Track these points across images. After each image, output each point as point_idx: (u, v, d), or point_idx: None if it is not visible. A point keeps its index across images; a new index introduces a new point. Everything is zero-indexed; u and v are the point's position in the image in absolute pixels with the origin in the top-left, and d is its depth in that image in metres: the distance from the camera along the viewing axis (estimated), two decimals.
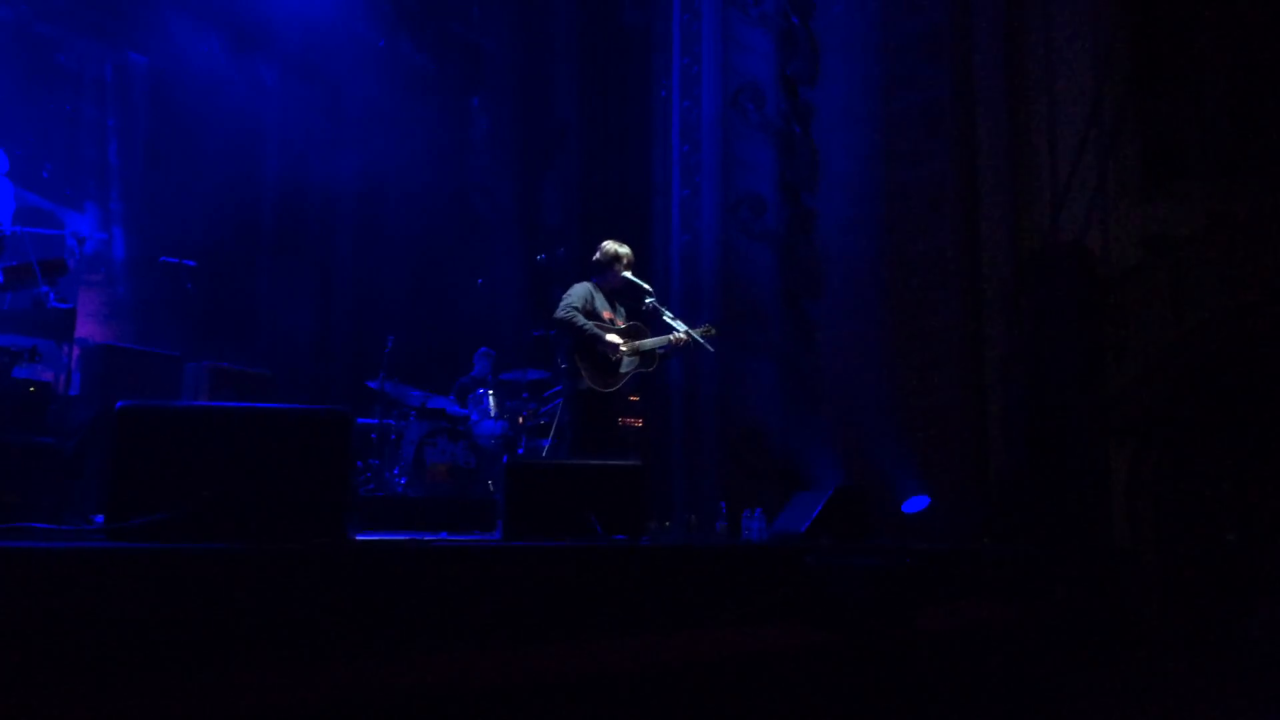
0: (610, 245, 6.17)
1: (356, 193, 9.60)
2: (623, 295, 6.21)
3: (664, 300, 6.77)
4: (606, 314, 6.11)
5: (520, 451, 8.15)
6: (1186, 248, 7.59)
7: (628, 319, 6.24)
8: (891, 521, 7.46)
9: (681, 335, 6.08)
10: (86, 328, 8.33)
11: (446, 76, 10.59)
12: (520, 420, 8.19)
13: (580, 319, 5.89)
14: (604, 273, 6.14)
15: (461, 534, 5.45)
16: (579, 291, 6.03)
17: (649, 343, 6.09)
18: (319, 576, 2.93)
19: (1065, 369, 7.45)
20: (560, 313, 5.90)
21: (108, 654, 2.52)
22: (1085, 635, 5.95)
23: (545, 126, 11.04)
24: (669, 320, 6.24)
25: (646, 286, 6.27)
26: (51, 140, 8.55)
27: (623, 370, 6.00)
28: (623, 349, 5.93)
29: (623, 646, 3.44)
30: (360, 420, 7.95)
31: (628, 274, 6.10)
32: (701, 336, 6.03)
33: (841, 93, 9.06)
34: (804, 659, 3.89)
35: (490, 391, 8.44)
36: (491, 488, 7.94)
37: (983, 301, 8.33)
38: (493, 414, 8.33)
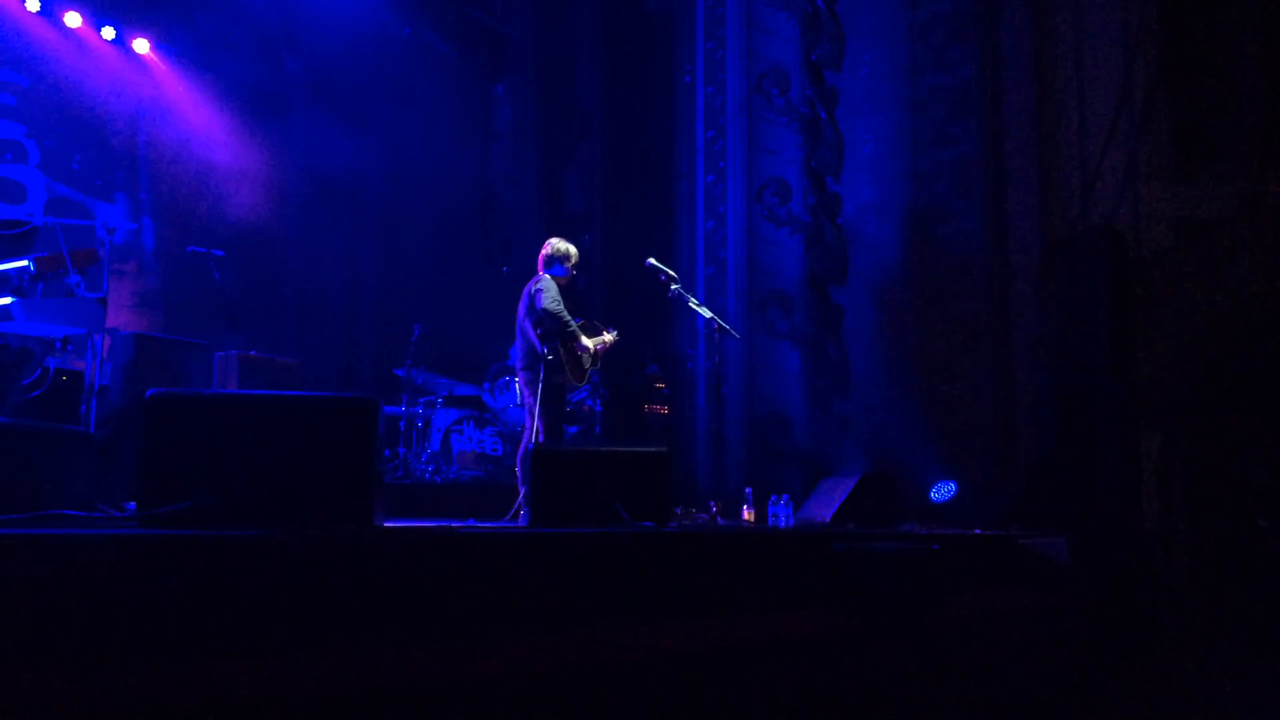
0: (561, 243, 6.36)
1: (382, 182, 9.63)
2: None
3: (689, 289, 6.79)
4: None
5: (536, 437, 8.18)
6: (1218, 230, 7.49)
7: (576, 316, 6.42)
8: (918, 508, 7.42)
9: (607, 339, 6.37)
10: (117, 317, 8.41)
11: (470, 65, 10.59)
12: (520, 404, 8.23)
13: (567, 315, 6.08)
14: (557, 268, 6.28)
15: (488, 521, 5.48)
16: (554, 286, 6.19)
17: (596, 341, 6.39)
18: (347, 563, 2.95)
19: (1095, 353, 7.36)
20: (551, 305, 6.05)
21: (139, 638, 2.55)
22: (1115, 621, 5.91)
23: (568, 113, 11.02)
24: (693, 307, 6.29)
25: (671, 273, 6.30)
26: (81, 131, 8.63)
27: (586, 368, 6.22)
28: (591, 351, 6.19)
29: (649, 633, 3.44)
30: (387, 408, 8.00)
31: (572, 266, 6.35)
32: (608, 341, 6.44)
33: (866, 76, 8.98)
34: (831, 644, 3.89)
35: (517, 379, 8.47)
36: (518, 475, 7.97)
37: (1011, 285, 8.25)
38: (519, 401, 8.36)
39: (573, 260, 6.36)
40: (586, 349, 6.24)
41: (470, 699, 2.96)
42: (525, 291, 6.31)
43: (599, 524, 4.12)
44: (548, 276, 6.26)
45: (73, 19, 8.54)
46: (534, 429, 6.13)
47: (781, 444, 8.51)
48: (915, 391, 8.47)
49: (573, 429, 7.75)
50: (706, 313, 6.29)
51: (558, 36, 11.02)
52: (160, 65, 9.13)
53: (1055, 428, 7.62)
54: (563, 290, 6.27)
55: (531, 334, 6.17)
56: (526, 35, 10.97)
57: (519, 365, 6.37)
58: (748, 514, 6.28)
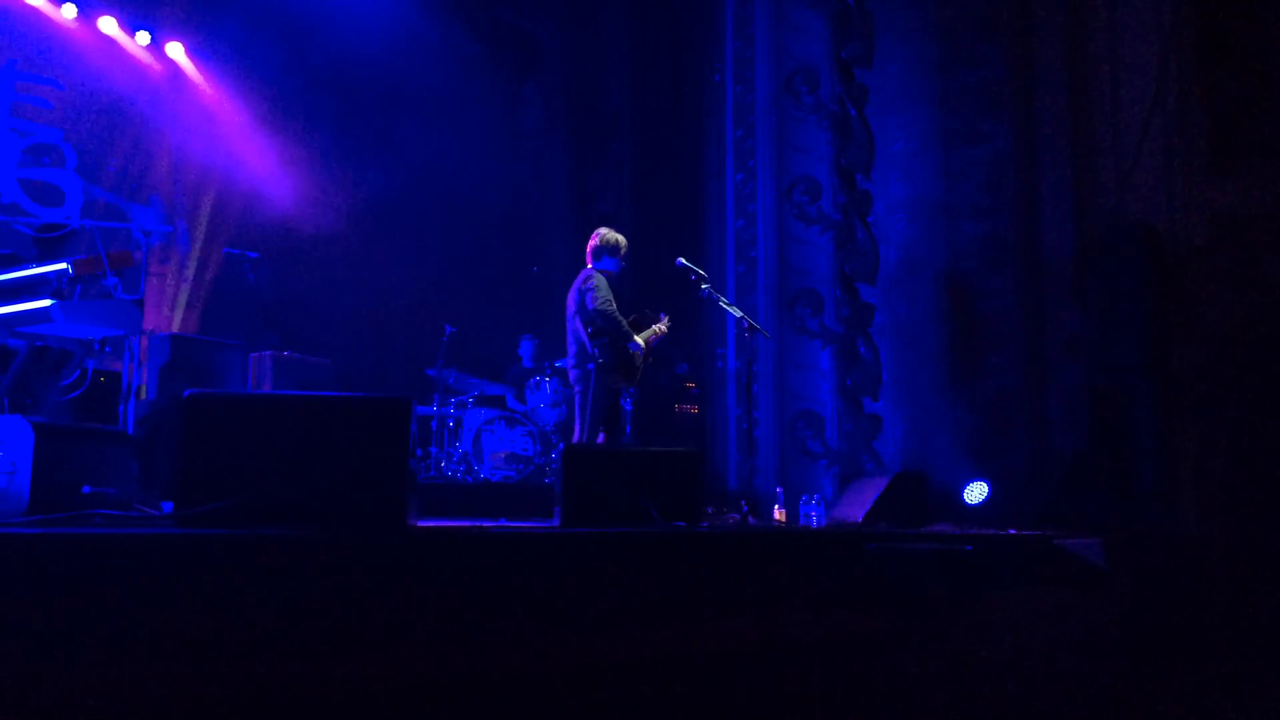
0: (610, 233, 6.22)
1: (412, 182, 9.69)
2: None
3: (719, 287, 6.77)
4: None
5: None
6: (1256, 226, 7.37)
7: (624, 311, 6.32)
8: (951, 508, 7.37)
9: (659, 328, 6.22)
10: (153, 318, 8.53)
11: (499, 65, 10.63)
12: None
13: (619, 316, 5.97)
14: (606, 260, 6.18)
15: (520, 520, 5.49)
16: (603, 282, 6.07)
17: (647, 335, 6.26)
18: (380, 562, 2.97)
19: (1130, 351, 7.27)
20: (603, 306, 5.94)
21: (177, 637, 2.58)
22: (1152, 623, 5.84)
23: (598, 113, 11.04)
24: (724, 306, 6.27)
25: (701, 272, 6.28)
26: (117, 135, 8.75)
27: (639, 367, 6.15)
28: (645, 348, 6.08)
29: (682, 632, 3.44)
30: (419, 408, 8.05)
31: (623, 257, 6.23)
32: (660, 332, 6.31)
33: (897, 73, 8.92)
34: (865, 645, 3.87)
35: (549, 378, 8.50)
36: (548, 475, 8.00)
37: (1043, 283, 8.17)
38: (552, 401, 8.39)
39: (623, 251, 6.22)
40: (640, 348, 6.10)
41: (503, 697, 2.97)
42: (574, 288, 6.19)
43: (631, 524, 4.12)
44: (597, 273, 6.13)
45: (107, 24, 8.66)
46: (580, 429, 6.09)
47: (812, 443, 8.48)
48: (947, 390, 8.40)
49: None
50: (737, 312, 6.27)
51: (587, 36, 11.05)
52: (193, 69, 9.24)
53: (1089, 427, 7.53)
54: (613, 282, 6.18)
55: (582, 333, 6.07)
56: (555, 35, 11.00)
57: (569, 364, 6.31)
58: (779, 514, 6.26)
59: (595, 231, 6.30)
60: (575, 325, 6.10)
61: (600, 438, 6.08)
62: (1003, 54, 8.44)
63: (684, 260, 6.36)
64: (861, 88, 8.84)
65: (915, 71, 8.81)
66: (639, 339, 6.10)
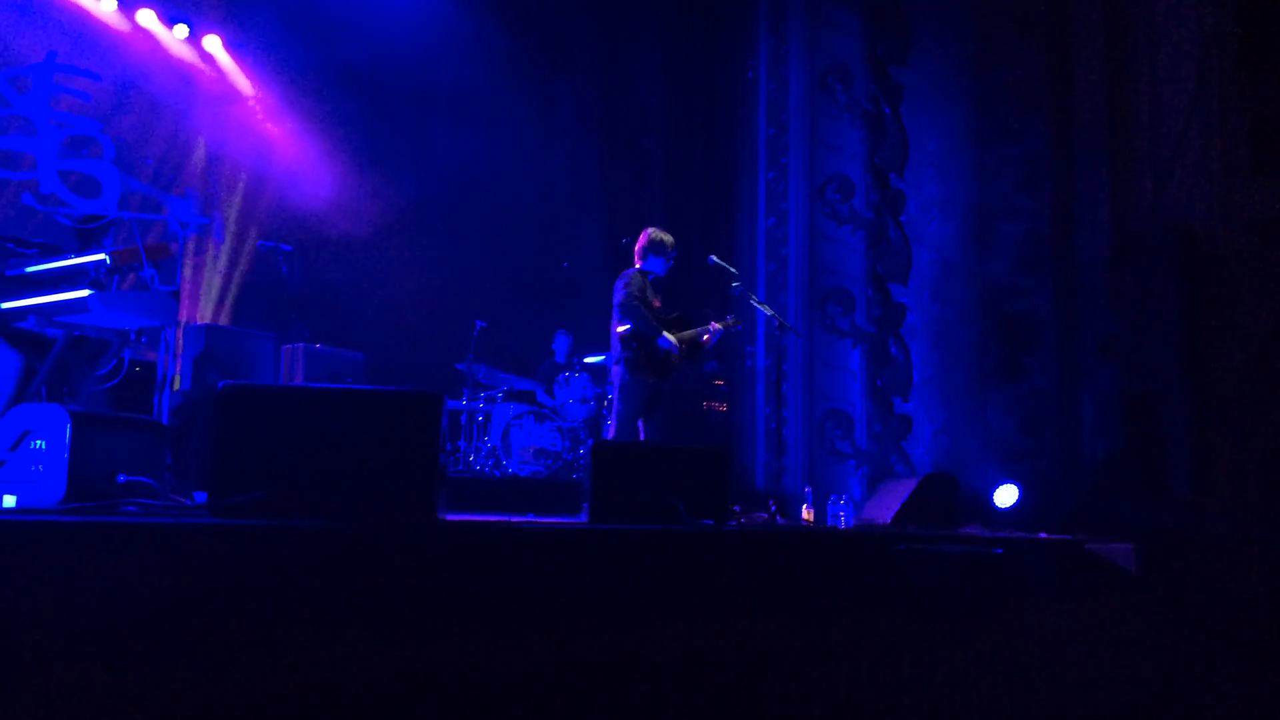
0: (657, 232, 6.22)
1: (444, 177, 9.73)
2: (661, 281, 6.27)
3: (750, 285, 6.75)
4: (656, 303, 6.16)
5: (606, 434, 8.20)
6: None
7: (668, 308, 6.28)
8: (981, 510, 7.31)
9: (715, 327, 6.16)
10: (187, 309, 8.62)
11: (532, 61, 10.64)
12: (606, 403, 8.26)
13: (644, 312, 5.95)
14: (651, 259, 6.18)
15: (548, 515, 5.51)
16: (636, 280, 6.07)
17: (689, 334, 6.18)
18: (409, 555, 2.99)
19: (1166, 354, 7.19)
20: (625, 302, 5.95)
21: (209, 626, 2.60)
22: (1184, 630, 5.76)
23: (629, 109, 11.03)
24: (755, 304, 6.25)
25: (732, 270, 6.27)
26: (154, 127, 8.84)
27: (672, 363, 6.10)
28: (682, 346, 6.02)
29: (709, 631, 3.43)
30: (449, 403, 8.09)
31: (670, 257, 6.20)
32: (727, 326, 6.13)
33: (932, 71, 8.85)
34: (893, 646, 3.85)
35: (578, 374, 8.53)
36: (577, 470, 8.01)
37: (1077, 284, 8.08)
38: (580, 397, 8.40)
39: (668, 250, 6.21)
40: (671, 344, 6.06)
41: (528, 691, 2.98)
42: (614, 286, 6.26)
43: (658, 521, 4.11)
44: (633, 271, 6.15)
45: (146, 17, 8.75)
46: (615, 425, 6.11)
47: (841, 443, 8.44)
48: (978, 392, 8.34)
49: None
50: (768, 310, 6.25)
51: (619, 33, 11.04)
52: (230, 62, 9.32)
53: (1123, 431, 7.45)
54: (659, 282, 6.16)
55: (614, 329, 6.13)
56: (588, 32, 11.00)
57: (608, 361, 6.35)
58: (807, 514, 6.24)
59: (644, 230, 6.30)
60: (612, 322, 6.15)
61: (642, 434, 6.08)
62: (1040, 53, 8.35)
63: (715, 258, 6.35)
64: (896, 85, 8.79)
65: (951, 69, 8.74)
66: (672, 336, 6.07)
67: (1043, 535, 5.97)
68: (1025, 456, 7.98)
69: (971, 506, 7.15)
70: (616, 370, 6.14)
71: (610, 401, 7.97)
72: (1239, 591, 6.54)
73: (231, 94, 9.35)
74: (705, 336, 6.24)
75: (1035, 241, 8.29)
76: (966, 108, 8.63)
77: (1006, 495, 7.08)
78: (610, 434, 6.16)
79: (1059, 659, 4.56)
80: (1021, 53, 8.44)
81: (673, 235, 6.32)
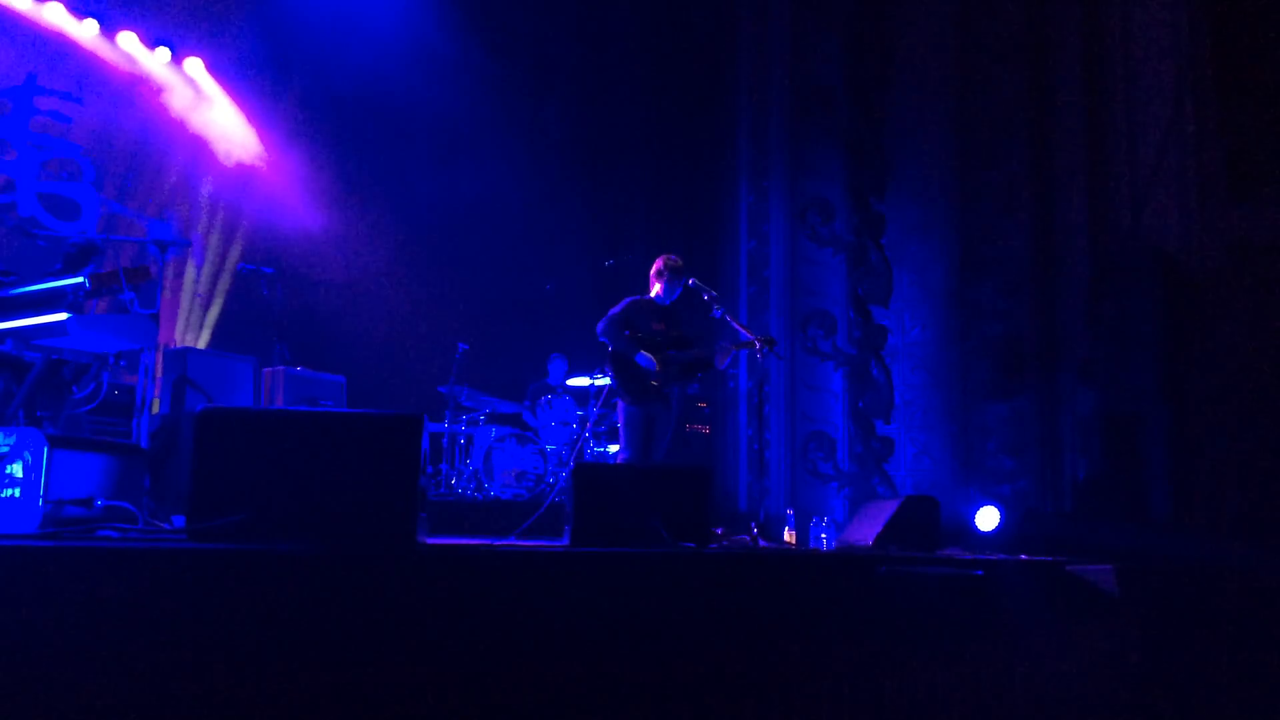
0: (664, 259, 6.29)
1: (427, 199, 9.73)
2: (683, 306, 6.28)
3: (732, 307, 6.77)
4: (657, 325, 6.18)
5: (589, 456, 8.19)
6: (1272, 252, 7.35)
7: (684, 330, 6.28)
8: (962, 532, 7.32)
9: (729, 346, 6.17)
10: (167, 332, 8.57)
11: (516, 85, 10.67)
12: (588, 425, 8.25)
13: (614, 333, 5.98)
14: (656, 284, 6.25)
15: (530, 539, 5.48)
16: (623, 305, 6.14)
17: (688, 355, 6.18)
18: (389, 579, 2.97)
19: (1145, 376, 7.25)
20: (606, 326, 6.03)
21: (186, 649, 2.58)
22: (1164, 652, 5.78)
23: (613, 133, 11.07)
24: (737, 327, 6.26)
25: (714, 293, 6.28)
26: (134, 150, 8.82)
27: (653, 385, 6.07)
28: (664, 367, 6.01)
29: (690, 654, 3.42)
30: (430, 425, 8.06)
31: (676, 283, 6.21)
32: (762, 344, 6.04)
33: (912, 95, 8.93)
34: (875, 668, 3.84)
35: (560, 397, 8.52)
36: (558, 493, 7.98)
37: (1057, 307, 8.15)
38: (562, 420, 8.39)
39: (667, 276, 6.24)
40: (649, 361, 6.04)
41: (509, 714, 2.97)
42: None
43: (640, 544, 4.10)
44: (632, 298, 6.22)
45: (128, 40, 8.74)
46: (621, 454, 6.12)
47: (824, 465, 8.46)
48: (959, 413, 8.38)
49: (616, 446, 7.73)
50: (748, 334, 6.26)
51: (603, 56, 11.09)
52: (212, 85, 9.32)
53: (1103, 453, 7.50)
54: (673, 304, 6.21)
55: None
56: (572, 56, 11.05)
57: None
58: (789, 536, 6.23)
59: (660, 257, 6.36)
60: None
61: (656, 455, 6.08)
62: (1020, 76, 8.45)
63: (696, 280, 6.36)
64: (875, 111, 8.86)
65: (931, 94, 8.82)
66: (653, 358, 6.06)
67: (1023, 557, 5.99)
68: (1006, 478, 8.01)
69: (953, 528, 7.17)
70: (618, 401, 6.20)
71: (588, 423, 7.98)
72: (1218, 613, 6.57)
73: (212, 117, 9.32)
74: (720, 356, 6.21)
75: (1016, 264, 8.35)
76: (947, 132, 8.71)
77: (988, 519, 7.09)
78: (624, 458, 6.16)
79: (1040, 680, 4.56)
80: (1000, 76, 8.54)
81: (656, 256, 6.37)
